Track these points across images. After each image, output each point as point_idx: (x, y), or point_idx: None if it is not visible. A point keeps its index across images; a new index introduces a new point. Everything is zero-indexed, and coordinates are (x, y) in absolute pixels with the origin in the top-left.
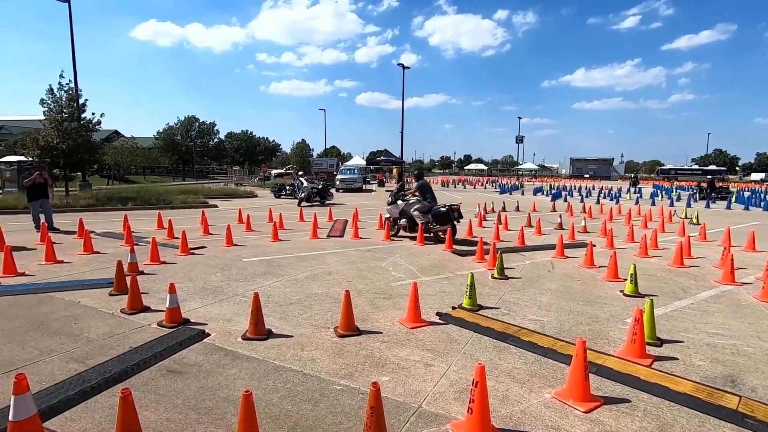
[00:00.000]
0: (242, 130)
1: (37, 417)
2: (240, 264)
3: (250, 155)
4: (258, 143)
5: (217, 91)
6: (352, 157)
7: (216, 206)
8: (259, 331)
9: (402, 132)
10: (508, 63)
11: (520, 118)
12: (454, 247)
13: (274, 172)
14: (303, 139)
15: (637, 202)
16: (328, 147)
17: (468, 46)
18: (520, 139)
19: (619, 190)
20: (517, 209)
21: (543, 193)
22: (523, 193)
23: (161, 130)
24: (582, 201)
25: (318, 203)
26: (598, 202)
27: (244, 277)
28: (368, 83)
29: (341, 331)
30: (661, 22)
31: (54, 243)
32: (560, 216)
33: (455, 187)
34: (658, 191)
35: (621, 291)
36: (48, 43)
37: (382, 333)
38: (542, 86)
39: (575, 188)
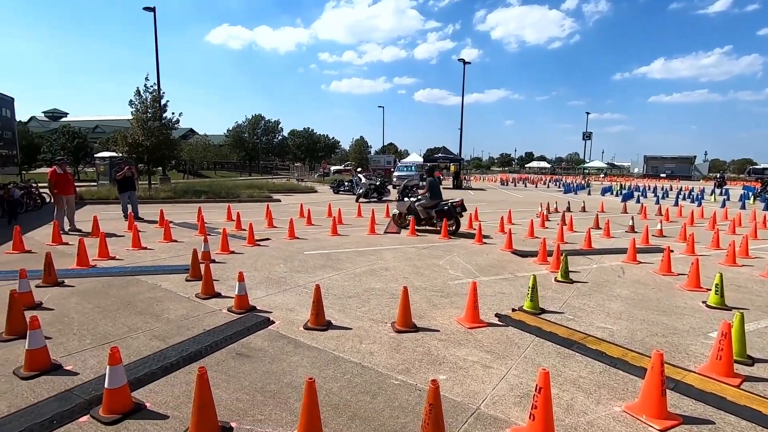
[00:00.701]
0: (304, 128)
1: (127, 386)
2: (301, 256)
3: (311, 152)
4: (318, 140)
5: (282, 90)
6: (409, 155)
7: (279, 200)
8: (320, 322)
9: (461, 128)
10: (577, 55)
11: (588, 113)
12: (515, 248)
13: (333, 168)
14: (361, 136)
15: (723, 205)
16: (385, 144)
17: (532, 39)
18: (587, 136)
19: (702, 191)
20: (583, 210)
21: (612, 193)
22: (589, 193)
23: (231, 128)
24: (657, 202)
25: (375, 199)
26: (676, 204)
27: (305, 269)
28: (427, 80)
29: (398, 326)
30: (758, 4)
31: (139, 231)
32: (632, 218)
33: (515, 185)
34: (749, 193)
35: (704, 302)
36: (137, 50)
37: (439, 331)
38: (614, 79)
39: (649, 188)
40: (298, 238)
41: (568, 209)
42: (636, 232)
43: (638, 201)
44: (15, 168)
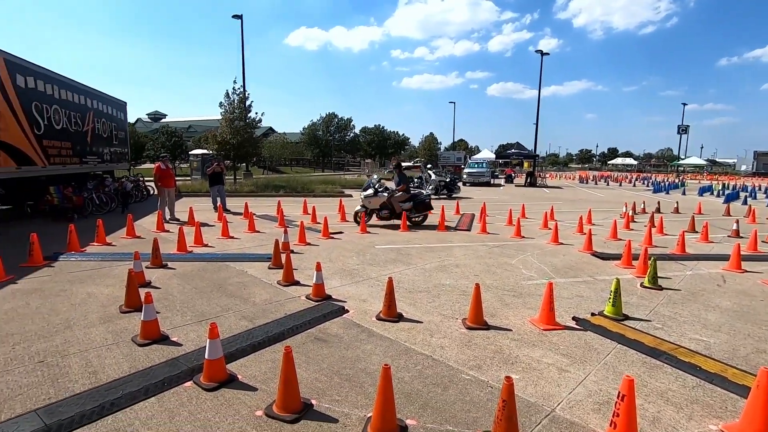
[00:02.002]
0: (375, 125)
1: (223, 359)
2: (373, 250)
3: (381, 148)
4: (389, 137)
5: (354, 88)
6: (480, 151)
7: (351, 196)
8: (392, 314)
9: (536, 123)
10: (673, 40)
11: (684, 104)
12: (595, 249)
13: (402, 165)
14: (431, 133)
15: None
16: (455, 140)
17: (621, 24)
18: (683, 129)
19: None
20: (676, 211)
21: (712, 194)
22: (684, 193)
23: (306, 126)
24: None
25: (445, 196)
26: None
27: (377, 263)
28: (501, 73)
29: (470, 323)
30: None
31: (228, 222)
32: (737, 221)
33: (596, 183)
34: None
35: None
36: (225, 55)
37: (511, 330)
38: (718, 65)
39: (760, 189)
40: (369, 232)
41: (658, 210)
42: (741, 237)
43: (745, 202)
44: (126, 164)
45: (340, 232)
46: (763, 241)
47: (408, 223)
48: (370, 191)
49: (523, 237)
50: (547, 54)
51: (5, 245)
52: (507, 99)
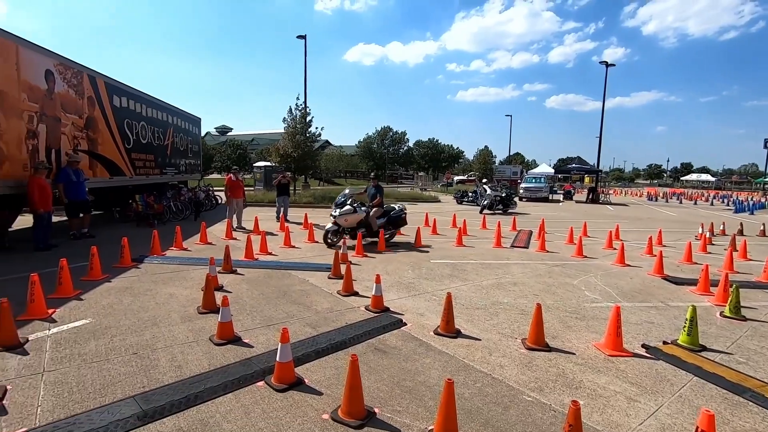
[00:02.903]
0: (429, 138)
1: (292, 362)
2: (428, 264)
3: (435, 162)
4: (442, 150)
5: (409, 102)
6: (537, 165)
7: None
8: (450, 329)
9: (600, 136)
10: (759, 46)
11: None
12: (667, 273)
13: (456, 178)
14: (486, 146)
15: None
16: (511, 154)
17: (697, 31)
18: None
19: None
20: (763, 234)
21: None
22: None
23: (361, 140)
24: None
25: (501, 212)
26: None
27: (432, 277)
28: (561, 85)
29: (530, 343)
30: None
31: (290, 232)
32: None
33: (667, 201)
34: None
35: None
36: (288, 71)
37: (575, 354)
38: None
39: None
40: (424, 246)
41: (741, 232)
42: None
43: None
44: (198, 175)
45: (396, 245)
46: None
47: (385, 241)
48: (348, 207)
49: (585, 257)
50: (613, 65)
51: (100, 247)
52: (567, 111)
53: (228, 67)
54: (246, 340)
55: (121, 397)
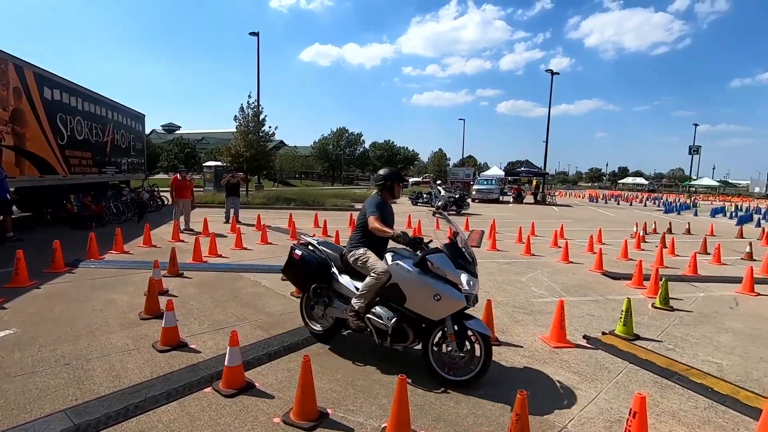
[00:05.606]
0: (385, 140)
1: (242, 366)
2: None
3: (391, 163)
4: (398, 152)
5: (365, 104)
6: (489, 168)
7: None
8: None
9: (546, 141)
10: (686, 61)
11: (696, 125)
12: (606, 269)
13: (411, 180)
14: (440, 149)
15: None
16: (465, 157)
17: (633, 45)
18: (695, 150)
19: None
20: (688, 232)
21: (725, 215)
22: (696, 214)
23: (317, 141)
24: None
25: (454, 212)
26: None
27: None
28: (511, 91)
29: None
30: None
31: (241, 233)
32: (750, 244)
33: (606, 202)
34: None
35: None
36: (241, 69)
37: (522, 347)
38: (731, 86)
39: None
40: None
41: (669, 231)
42: (755, 260)
43: (758, 225)
44: (142, 174)
45: None
46: None
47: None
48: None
49: (533, 255)
50: (558, 74)
51: (28, 251)
52: (517, 117)
53: (176, 63)
54: (193, 346)
55: (49, 412)
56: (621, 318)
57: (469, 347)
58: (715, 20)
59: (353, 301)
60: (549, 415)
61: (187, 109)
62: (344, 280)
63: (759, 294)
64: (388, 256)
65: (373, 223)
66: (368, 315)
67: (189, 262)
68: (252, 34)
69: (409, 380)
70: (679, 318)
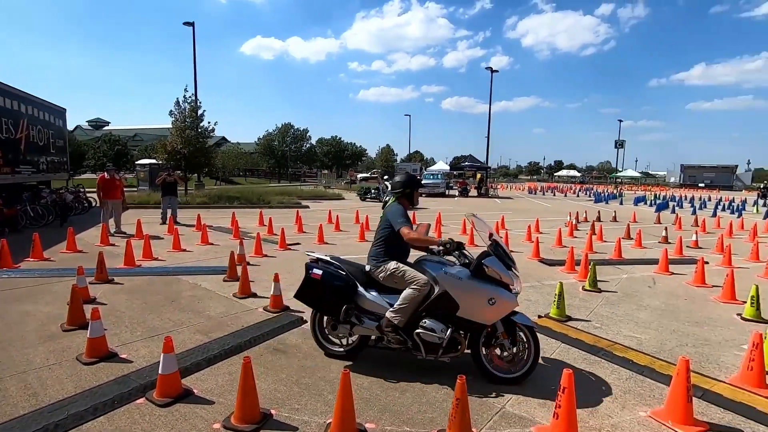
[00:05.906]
0: (332, 136)
1: (178, 373)
2: None
3: (338, 160)
4: (345, 148)
5: (311, 99)
6: (435, 162)
7: (308, 207)
8: None
9: (488, 137)
10: (611, 62)
11: (620, 120)
12: (542, 256)
13: (359, 176)
14: (388, 145)
15: (766, 216)
16: (411, 152)
17: (565, 46)
18: (620, 144)
19: (743, 201)
20: (614, 219)
21: (646, 203)
22: (621, 203)
23: (261, 137)
24: (694, 213)
25: None
26: (714, 215)
27: None
28: (455, 88)
29: None
30: None
31: (180, 234)
32: (666, 229)
33: (543, 194)
34: None
35: (738, 314)
36: (175, 62)
37: None
38: (649, 86)
39: (686, 198)
40: (327, 243)
41: (598, 219)
42: (669, 243)
43: (673, 211)
44: (65, 174)
45: (298, 244)
46: (688, 246)
47: None
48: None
49: (477, 245)
50: (497, 71)
51: None
52: (461, 113)
53: (103, 55)
54: (123, 356)
55: None
56: (554, 301)
57: (524, 339)
58: (635, 24)
59: (389, 315)
60: (488, 398)
61: (118, 104)
62: (373, 296)
63: (673, 273)
64: (426, 265)
65: (410, 234)
66: (418, 330)
67: (120, 267)
68: (186, 23)
69: (356, 373)
70: (605, 298)
